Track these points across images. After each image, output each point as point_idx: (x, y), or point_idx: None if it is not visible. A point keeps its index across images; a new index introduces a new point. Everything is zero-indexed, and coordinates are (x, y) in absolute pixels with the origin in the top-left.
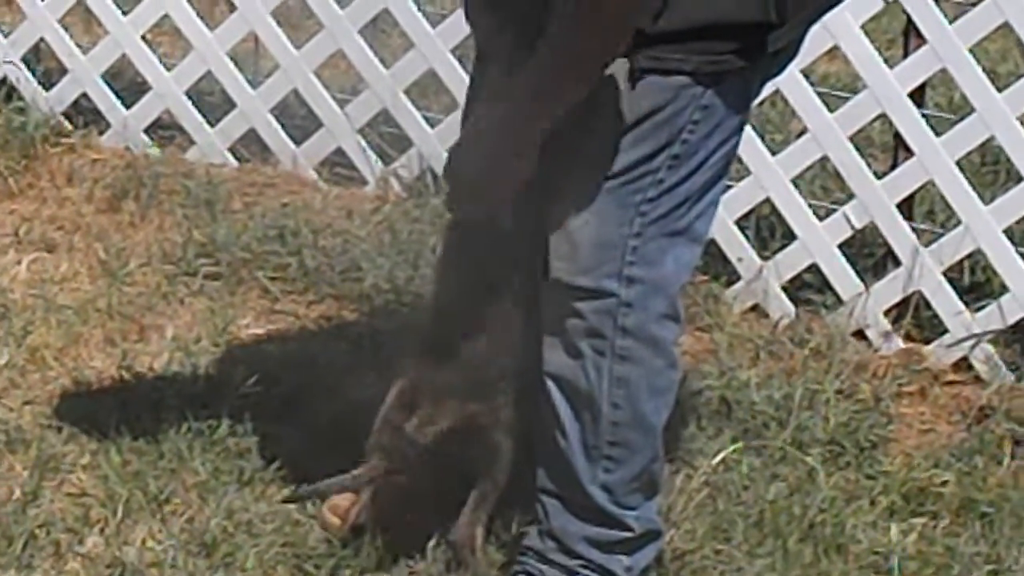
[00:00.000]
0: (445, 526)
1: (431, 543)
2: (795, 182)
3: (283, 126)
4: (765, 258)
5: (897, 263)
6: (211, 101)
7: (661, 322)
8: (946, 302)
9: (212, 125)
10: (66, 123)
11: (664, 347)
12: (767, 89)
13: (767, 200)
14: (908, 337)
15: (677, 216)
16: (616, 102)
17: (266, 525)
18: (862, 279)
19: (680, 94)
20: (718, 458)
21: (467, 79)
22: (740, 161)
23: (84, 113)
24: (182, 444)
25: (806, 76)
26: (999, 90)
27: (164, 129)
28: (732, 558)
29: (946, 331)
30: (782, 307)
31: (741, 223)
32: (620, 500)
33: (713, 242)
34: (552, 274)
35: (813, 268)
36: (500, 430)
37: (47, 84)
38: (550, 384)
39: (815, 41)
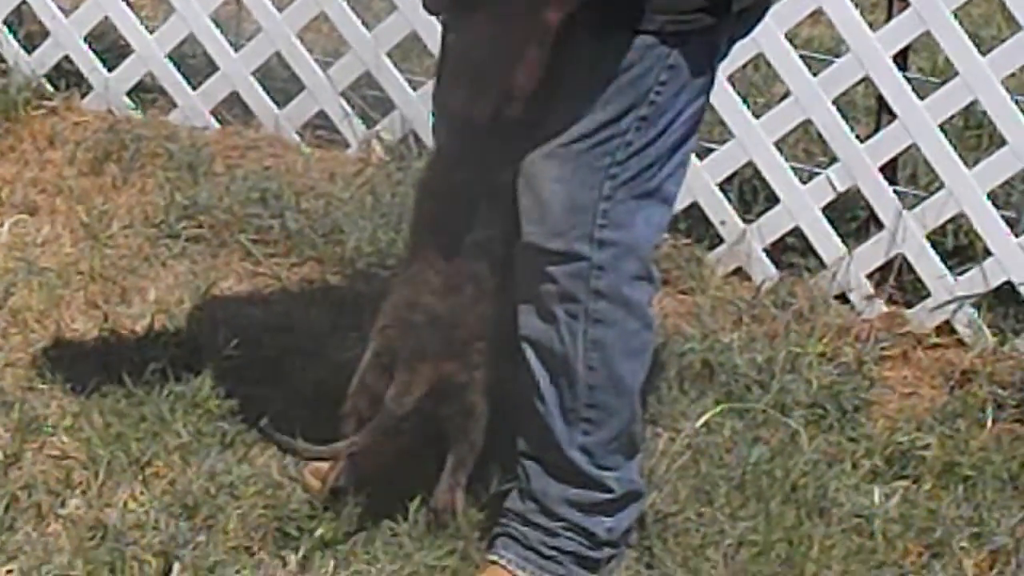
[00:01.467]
0: (425, 487)
1: (412, 505)
2: (778, 145)
3: (265, 89)
4: (748, 221)
5: (880, 226)
6: (193, 64)
7: (633, 284)
8: (929, 266)
9: (194, 88)
10: (48, 86)
11: (638, 308)
12: (750, 52)
13: (750, 163)
14: (891, 300)
15: (647, 178)
16: (582, 63)
17: (248, 487)
18: (845, 242)
19: (646, 54)
20: (701, 421)
21: None
22: (723, 124)
23: (66, 76)
24: (164, 406)
25: (789, 39)
26: (983, 54)
27: (146, 92)
28: (714, 520)
29: (929, 295)
30: (765, 270)
31: (724, 186)
32: (600, 462)
33: (696, 205)
34: (524, 238)
35: (796, 231)
36: (476, 390)
37: (29, 47)
38: (526, 348)
39: (799, 4)
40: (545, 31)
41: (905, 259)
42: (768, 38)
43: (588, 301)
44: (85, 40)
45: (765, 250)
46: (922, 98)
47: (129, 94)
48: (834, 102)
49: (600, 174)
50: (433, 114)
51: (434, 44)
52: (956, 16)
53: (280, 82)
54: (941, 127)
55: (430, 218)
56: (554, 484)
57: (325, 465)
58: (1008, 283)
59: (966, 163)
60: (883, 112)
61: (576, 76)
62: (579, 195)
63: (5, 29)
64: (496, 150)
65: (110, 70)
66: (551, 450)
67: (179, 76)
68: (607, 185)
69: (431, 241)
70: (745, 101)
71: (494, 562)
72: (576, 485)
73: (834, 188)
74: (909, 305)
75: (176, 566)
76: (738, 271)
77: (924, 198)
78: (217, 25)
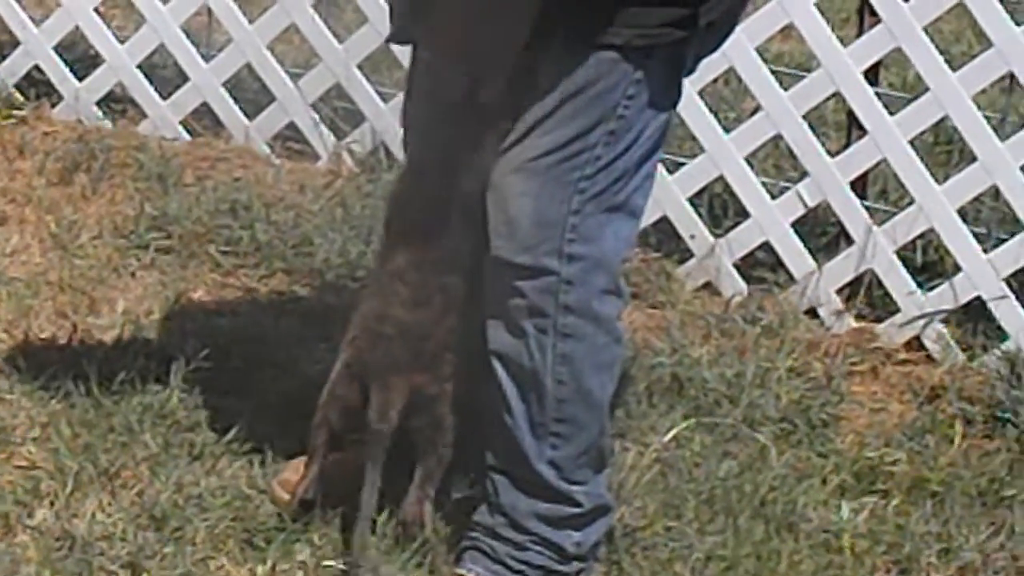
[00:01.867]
0: (393, 500)
1: (380, 517)
2: (748, 160)
3: (236, 100)
4: (718, 236)
5: (850, 242)
6: (164, 74)
7: (603, 298)
8: (898, 281)
9: (164, 98)
10: (18, 95)
11: (607, 322)
12: (720, 66)
13: (720, 178)
14: (860, 316)
15: (615, 191)
16: (548, 77)
17: (216, 499)
18: (815, 257)
19: (613, 68)
20: (670, 435)
21: None
22: (693, 138)
23: (36, 85)
24: (133, 417)
25: (760, 54)
26: (953, 70)
27: (116, 102)
28: (683, 535)
29: (898, 310)
30: (734, 285)
31: (694, 200)
32: (568, 476)
33: (666, 219)
34: (492, 252)
35: (766, 246)
36: (445, 402)
37: None
38: (495, 363)
39: (769, 19)
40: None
41: (875, 274)
42: (739, 52)
43: (557, 315)
44: (55, 50)
45: (735, 265)
46: (892, 113)
47: (99, 104)
48: (804, 117)
49: (569, 188)
50: (403, 127)
51: (404, 56)
52: (927, 32)
53: (250, 93)
54: (911, 143)
55: (399, 230)
56: (523, 498)
57: (294, 477)
58: (978, 299)
59: (936, 179)
60: (853, 127)
61: (543, 90)
62: (548, 210)
63: None
64: (464, 162)
65: (80, 80)
66: (520, 464)
67: (149, 87)
68: (576, 199)
69: (400, 253)
70: (715, 115)
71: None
72: (545, 499)
73: (804, 203)
74: (879, 320)
75: None
76: (708, 285)
77: (894, 214)
78: (188, 36)
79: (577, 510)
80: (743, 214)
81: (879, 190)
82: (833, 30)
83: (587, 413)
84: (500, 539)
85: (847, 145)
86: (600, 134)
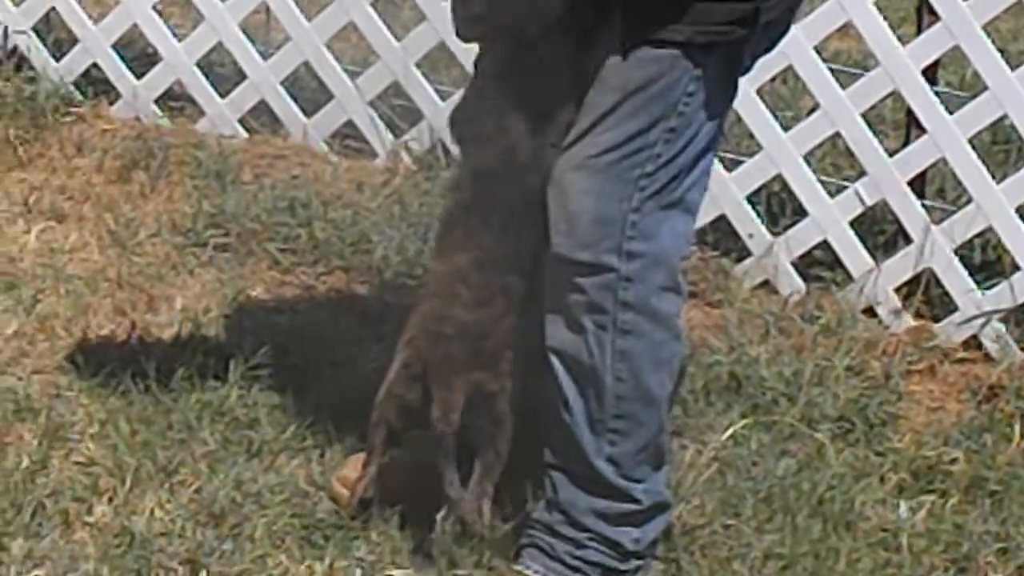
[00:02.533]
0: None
1: (440, 514)
2: (806, 158)
3: (294, 98)
4: (776, 234)
5: (908, 240)
6: (222, 72)
7: (661, 295)
8: (957, 280)
9: (223, 96)
10: (76, 93)
11: (665, 319)
12: (779, 65)
13: (778, 176)
14: (918, 315)
15: (673, 188)
16: (610, 74)
17: (275, 496)
18: (873, 256)
19: (674, 65)
20: (728, 433)
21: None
22: (752, 137)
23: (94, 83)
24: (191, 414)
25: (818, 52)
26: (1011, 68)
27: (174, 100)
28: (741, 533)
29: (956, 309)
30: (792, 283)
31: (752, 199)
32: (627, 473)
33: (724, 218)
34: (553, 249)
35: (824, 245)
36: (504, 400)
37: (58, 54)
38: (553, 359)
39: (828, 17)
40: None
41: (933, 273)
42: (797, 51)
43: (616, 312)
44: (114, 47)
45: (793, 263)
46: (951, 112)
47: (157, 102)
48: (863, 115)
49: (629, 186)
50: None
51: (462, 54)
52: (985, 31)
53: (308, 91)
54: (970, 141)
55: (461, 231)
56: (581, 495)
57: (352, 475)
58: None
59: (995, 178)
60: (912, 126)
61: (605, 87)
62: (608, 207)
63: (34, 36)
64: (524, 159)
65: (138, 78)
66: (578, 461)
67: (207, 84)
68: (636, 197)
69: (461, 254)
70: (774, 114)
71: (520, 573)
72: (603, 496)
73: (862, 202)
74: (937, 319)
75: (202, 574)
76: (766, 284)
77: (952, 212)
78: (246, 33)
79: (635, 507)
80: (801, 212)
81: (937, 189)
82: (892, 28)
83: (646, 410)
84: (558, 536)
85: (905, 144)
86: (660, 131)
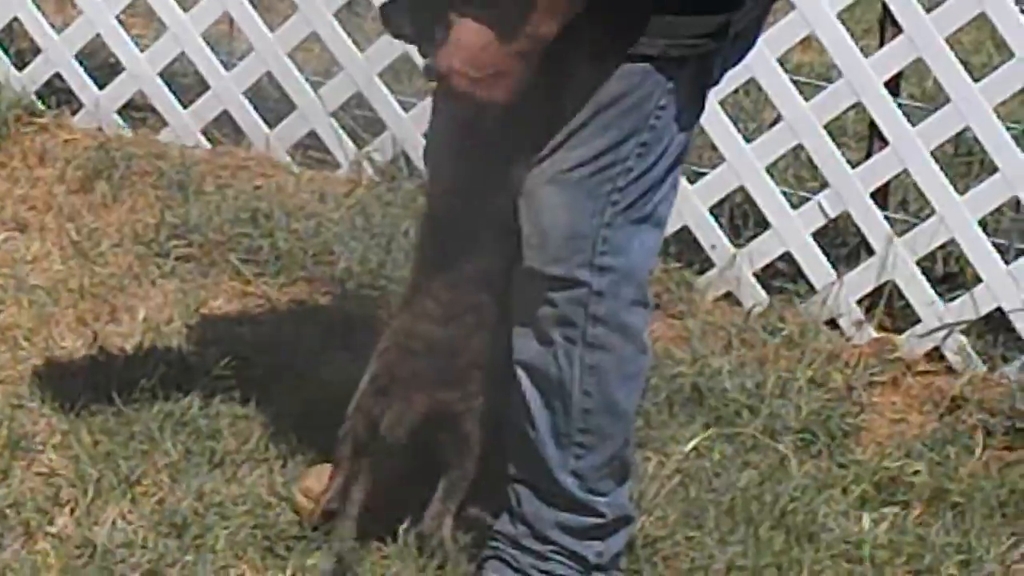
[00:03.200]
0: (416, 510)
1: (402, 527)
2: (769, 170)
3: (256, 108)
4: (739, 246)
5: (870, 252)
6: (184, 83)
7: (631, 309)
8: (919, 292)
9: (185, 107)
10: (38, 103)
11: (634, 334)
12: (742, 77)
13: (741, 188)
14: (880, 326)
15: (644, 203)
16: (581, 89)
17: (237, 507)
18: (835, 268)
19: (646, 79)
20: (690, 445)
21: None
22: (714, 149)
23: (57, 93)
24: (153, 425)
25: (781, 64)
26: (974, 80)
27: (137, 110)
28: (703, 545)
29: (919, 321)
30: (755, 295)
31: (714, 211)
32: (591, 486)
33: (686, 229)
34: (524, 263)
35: (786, 256)
36: (472, 419)
37: (20, 64)
38: (520, 373)
39: (791, 29)
40: (533, 45)
41: (895, 285)
42: (760, 63)
43: (586, 326)
44: (76, 57)
45: (755, 275)
46: (913, 124)
47: (120, 112)
48: (825, 127)
49: (601, 201)
50: (428, 145)
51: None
52: (947, 42)
53: (271, 102)
54: (932, 153)
55: (431, 247)
56: (545, 508)
57: (315, 485)
58: (998, 310)
59: (957, 189)
60: (875, 138)
61: (576, 102)
62: (580, 222)
63: None
64: (494, 176)
65: (101, 88)
66: (543, 474)
67: (170, 95)
68: (608, 211)
69: (432, 270)
70: (736, 126)
71: None
72: (567, 509)
73: (825, 214)
74: (899, 331)
75: None
76: (728, 296)
77: (915, 224)
78: (208, 44)
79: (599, 520)
80: (764, 224)
81: (900, 200)
82: (854, 40)
83: (612, 424)
84: (523, 549)
85: (868, 156)
86: (632, 146)
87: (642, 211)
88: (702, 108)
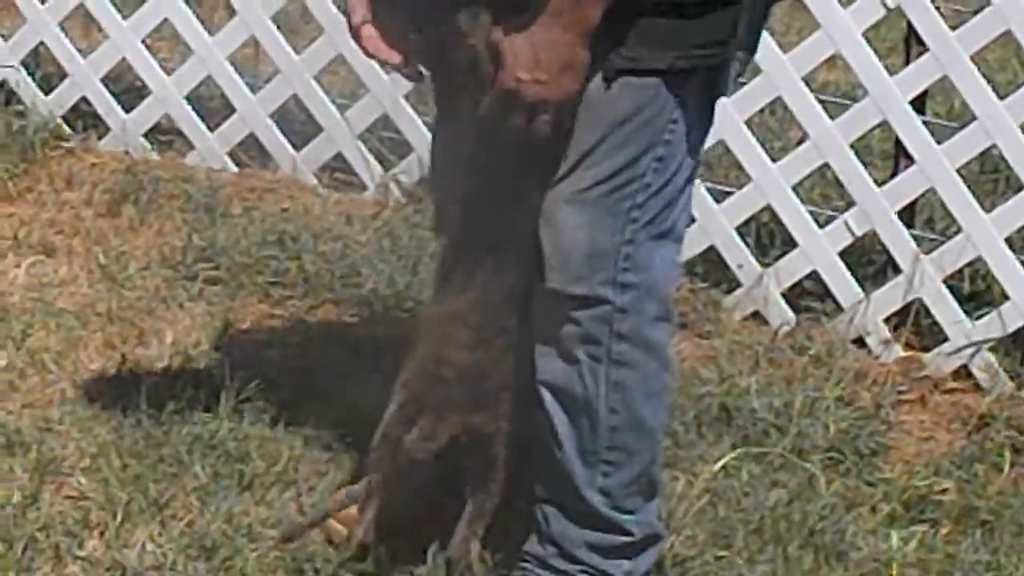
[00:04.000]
0: (446, 531)
1: (432, 549)
2: (795, 189)
3: (283, 131)
4: (765, 265)
5: (897, 270)
6: (211, 106)
7: (655, 324)
8: (946, 310)
9: (212, 130)
10: (65, 127)
11: (658, 349)
12: (767, 96)
13: (767, 207)
14: (908, 345)
15: (664, 218)
16: (594, 107)
17: (266, 529)
18: (862, 286)
19: (658, 93)
20: (719, 464)
21: None
22: (740, 168)
23: (83, 117)
24: (182, 448)
25: (807, 83)
26: (1000, 98)
27: (163, 134)
28: (733, 564)
29: (946, 339)
30: (782, 314)
31: (741, 230)
32: (619, 504)
33: (713, 249)
34: (547, 284)
35: (813, 275)
36: (500, 441)
37: (46, 88)
38: (544, 393)
39: (816, 48)
40: (585, 29)
41: (922, 303)
42: (785, 82)
43: (611, 344)
44: (102, 81)
45: (782, 294)
46: (939, 142)
47: (146, 135)
48: (851, 146)
49: (621, 218)
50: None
51: None
52: (973, 60)
53: (297, 124)
54: (958, 171)
55: (453, 270)
56: (573, 528)
57: (353, 511)
58: None
59: (983, 207)
60: (900, 156)
61: (589, 120)
62: (601, 240)
63: (23, 70)
64: (515, 195)
65: (127, 111)
66: (570, 493)
67: (196, 118)
68: (629, 229)
69: (459, 296)
70: (763, 145)
71: None
72: (595, 528)
73: (851, 232)
74: (926, 349)
75: None
76: (755, 315)
77: (941, 242)
78: (235, 67)
79: (628, 539)
80: (790, 243)
81: (926, 219)
82: (880, 59)
83: (639, 441)
84: (551, 569)
85: (894, 174)
86: (649, 161)
87: (662, 226)
88: (712, 120)
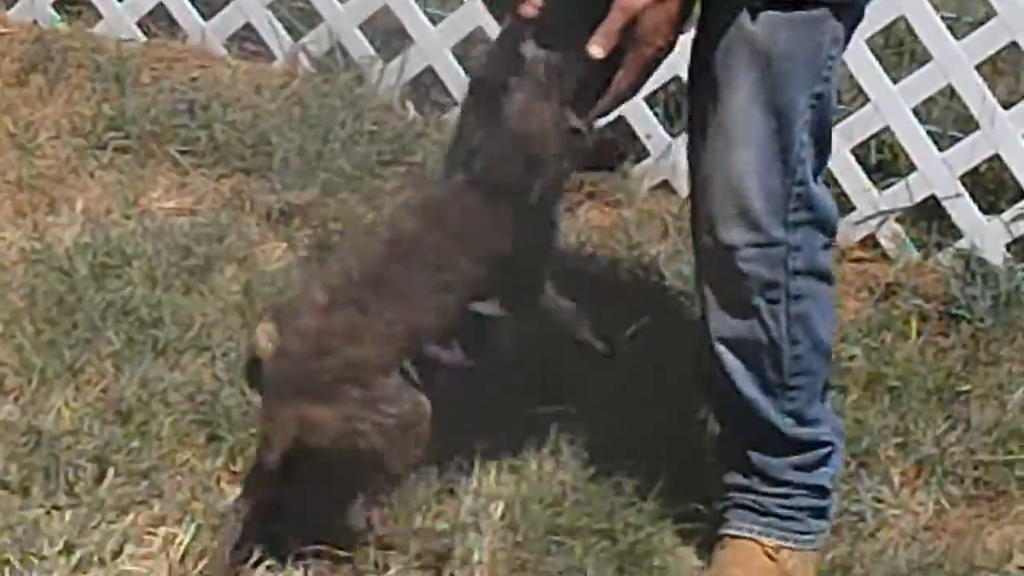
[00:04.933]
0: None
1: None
2: None
3: (192, 1)
4: (674, 135)
5: None
6: None
7: (824, 253)
8: (854, 179)
9: (120, 0)
10: None
11: (827, 273)
12: None
13: (676, 77)
14: None
15: (824, 153)
16: (756, 47)
17: (180, 394)
18: None
19: (820, 27)
20: (629, 331)
21: None
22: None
23: None
24: (95, 314)
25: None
26: None
27: (72, 4)
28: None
29: (853, 208)
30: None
31: (649, 100)
32: (807, 419)
33: (622, 119)
34: (721, 241)
35: None
36: (371, 435)
37: None
38: (721, 348)
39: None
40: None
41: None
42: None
43: (788, 282)
44: None
45: None
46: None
47: (54, 6)
48: None
49: (790, 158)
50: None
51: None
52: None
53: None
54: (867, 42)
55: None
56: (774, 460)
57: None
58: (932, 197)
59: (891, 78)
60: None
61: (751, 62)
62: (773, 183)
63: None
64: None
65: None
66: (762, 429)
67: None
68: (799, 169)
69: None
70: None
71: (735, 536)
72: (795, 452)
73: None
74: None
75: (110, 471)
76: (664, 184)
77: (849, 113)
78: None
79: (825, 450)
80: None
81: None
82: None
83: (819, 360)
84: (762, 494)
85: None
86: (809, 98)
87: (822, 159)
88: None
